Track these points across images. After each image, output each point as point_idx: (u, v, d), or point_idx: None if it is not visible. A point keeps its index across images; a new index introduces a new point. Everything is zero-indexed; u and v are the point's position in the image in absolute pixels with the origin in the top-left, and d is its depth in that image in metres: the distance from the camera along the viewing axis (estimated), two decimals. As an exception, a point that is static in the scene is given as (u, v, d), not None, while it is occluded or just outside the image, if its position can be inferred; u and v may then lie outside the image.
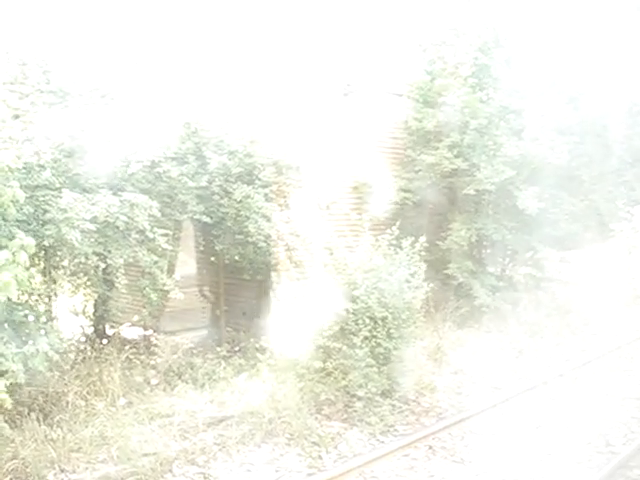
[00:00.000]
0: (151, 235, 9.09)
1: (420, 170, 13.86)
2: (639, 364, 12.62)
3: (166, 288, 9.48)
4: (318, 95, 13.02)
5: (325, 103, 13.14)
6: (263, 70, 11.93)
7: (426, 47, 14.48)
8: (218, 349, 11.49)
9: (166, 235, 9.44)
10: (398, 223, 10.94)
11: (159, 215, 9.35)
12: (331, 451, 8.51)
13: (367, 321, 9.33)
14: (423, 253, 10.54)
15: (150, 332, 13.72)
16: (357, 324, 9.30)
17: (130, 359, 10.67)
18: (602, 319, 15.41)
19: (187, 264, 12.55)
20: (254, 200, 10.25)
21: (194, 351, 11.61)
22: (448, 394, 10.74)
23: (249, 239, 10.43)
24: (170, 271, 10.09)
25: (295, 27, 12.69)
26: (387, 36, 14.36)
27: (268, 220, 10.48)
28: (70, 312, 11.50)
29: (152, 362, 11.19)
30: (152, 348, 11.76)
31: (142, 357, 10.86)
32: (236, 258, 11.21)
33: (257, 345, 11.51)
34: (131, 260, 9.37)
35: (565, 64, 14.55)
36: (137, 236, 9.23)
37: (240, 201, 10.30)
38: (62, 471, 7.67)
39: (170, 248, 9.70)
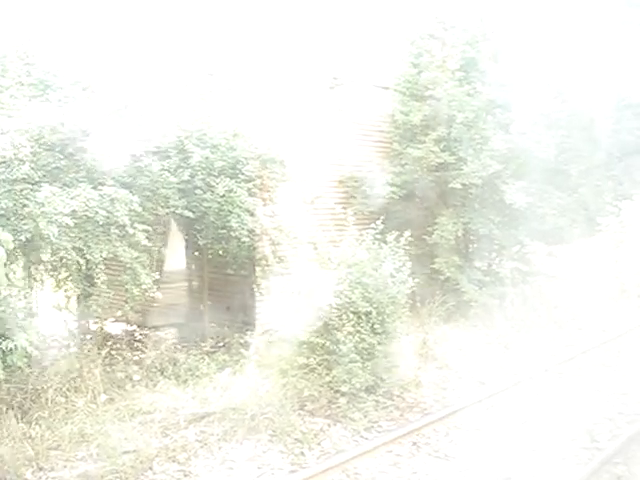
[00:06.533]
0: (131, 230, 8.98)
1: (407, 164, 13.77)
2: (625, 359, 12.57)
3: (146, 284, 9.30)
4: (304, 88, 12.91)
5: (311, 96, 13.04)
6: (248, 63, 11.82)
7: (413, 40, 14.37)
8: (202, 344, 11.42)
9: (146, 231, 9.33)
10: (383, 217, 10.87)
11: (140, 210, 9.24)
12: (314, 448, 8.41)
13: (351, 316, 9.25)
14: (409, 248, 10.49)
15: (135, 327, 13.69)
16: (340, 319, 9.22)
17: (112, 355, 10.60)
18: (589, 314, 15.39)
19: (170, 259, 12.42)
20: (237, 194, 10.14)
21: (178, 346, 11.55)
22: (433, 389, 10.67)
23: (232, 234, 10.32)
24: (152, 266, 9.91)
25: (281, 19, 12.57)
26: (374, 29, 14.23)
27: (251, 215, 10.37)
28: (54, 308, 11.38)
29: (136, 358, 11.15)
30: (136, 344, 11.71)
31: (125, 353, 10.77)
32: (220, 253, 11.13)
33: (241, 340, 11.45)
34: (111, 255, 9.24)
35: (553, 58, 14.45)
36: (117, 231, 9.09)
37: (223, 195, 10.18)
38: (40, 469, 7.57)
39: (150, 244, 9.55)
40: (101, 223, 8.80)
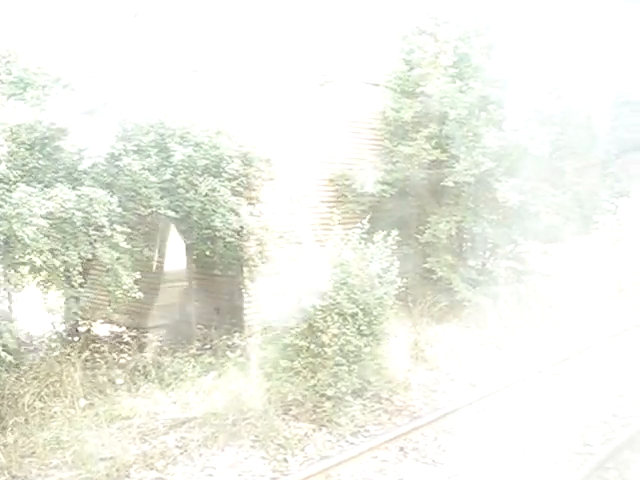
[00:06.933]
0: (110, 232, 8.77)
1: (398, 161, 13.54)
2: (621, 359, 12.31)
3: (127, 285, 9.08)
4: (292, 85, 12.68)
5: (299, 93, 12.81)
6: (235, 59, 11.60)
7: (405, 35, 14.14)
8: (189, 346, 11.19)
9: (127, 232, 9.12)
10: (375, 216, 10.68)
11: (120, 210, 9.03)
12: (297, 454, 8.18)
13: (336, 318, 9.00)
14: (401, 247, 10.28)
15: (123, 329, 13.48)
16: (325, 321, 8.96)
17: (95, 358, 10.40)
18: (585, 313, 15.11)
19: (155, 260, 12.20)
20: (220, 194, 9.91)
21: (164, 349, 11.31)
22: (423, 392, 10.43)
23: (217, 234, 10.10)
24: (135, 268, 9.68)
25: (269, 15, 12.33)
26: (365, 24, 13.99)
27: (236, 214, 10.13)
28: (43, 310, 11.21)
29: (121, 360, 10.93)
30: (122, 346, 11.49)
31: (109, 355, 10.54)
32: (206, 253, 10.90)
33: (229, 342, 11.23)
34: (90, 257, 9.05)
35: (548, 53, 14.19)
36: (97, 232, 8.88)
37: (206, 195, 9.95)
38: (13, 477, 7.38)
39: (132, 245, 9.35)
40: (79, 224, 8.57)
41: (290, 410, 9.09)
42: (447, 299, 13.43)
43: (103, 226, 8.72)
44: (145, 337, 12.25)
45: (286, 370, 9.08)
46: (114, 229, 8.84)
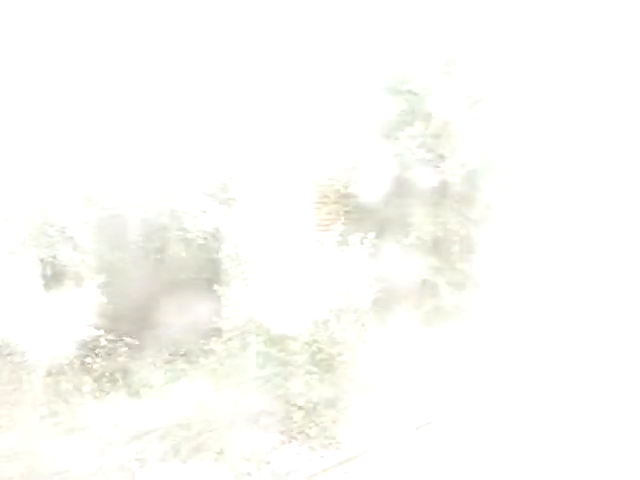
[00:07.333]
0: (71, 232, 8.39)
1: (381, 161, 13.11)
2: None
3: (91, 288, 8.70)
4: (273, 77, 12.28)
5: (281, 88, 12.40)
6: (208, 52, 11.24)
7: (390, 31, 13.72)
8: (163, 351, 10.80)
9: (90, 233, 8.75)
10: (355, 218, 10.33)
11: (83, 209, 8.66)
12: (262, 467, 7.81)
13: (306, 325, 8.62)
14: (382, 249, 9.92)
15: (101, 332, 13.07)
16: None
17: (61, 363, 10.00)
18: (581, 316, 14.71)
19: (129, 262, 11.77)
20: (190, 193, 9.52)
21: (138, 353, 10.90)
22: (402, 401, 10.05)
23: (188, 235, 9.72)
24: (104, 270, 9.29)
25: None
26: (348, 19, 13.59)
27: (208, 215, 9.74)
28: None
29: (96, 366, 10.53)
30: (97, 350, 11.10)
31: (76, 360, 10.14)
32: (182, 255, 10.51)
33: (206, 348, 10.83)
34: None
35: (536, 48, 13.83)
36: (57, 233, 8.49)
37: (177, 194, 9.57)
38: (-40, 493, 7.00)
39: (98, 246, 8.97)
40: (38, 224, 8.20)
41: (259, 420, 8.70)
42: (432, 304, 13.01)
43: (65, 227, 8.33)
44: (119, 341, 11.85)
45: (255, 379, 8.69)
46: (76, 229, 8.46)
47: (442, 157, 12.75)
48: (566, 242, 16.26)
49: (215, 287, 10.82)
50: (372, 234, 9.62)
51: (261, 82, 11.98)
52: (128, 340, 11.08)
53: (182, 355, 11.02)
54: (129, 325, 11.94)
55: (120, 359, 10.43)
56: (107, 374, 9.93)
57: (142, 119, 10.03)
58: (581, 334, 13.90)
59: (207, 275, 11.05)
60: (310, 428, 8.59)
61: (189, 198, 9.58)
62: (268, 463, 7.88)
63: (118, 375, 9.94)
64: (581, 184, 16.37)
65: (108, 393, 9.44)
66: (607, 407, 10.14)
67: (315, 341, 8.66)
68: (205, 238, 9.82)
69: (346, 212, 12.68)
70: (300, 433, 8.56)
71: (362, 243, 9.54)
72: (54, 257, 8.65)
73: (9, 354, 9.68)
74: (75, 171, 9.28)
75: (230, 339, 9.77)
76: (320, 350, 8.68)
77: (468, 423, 9.53)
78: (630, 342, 13.56)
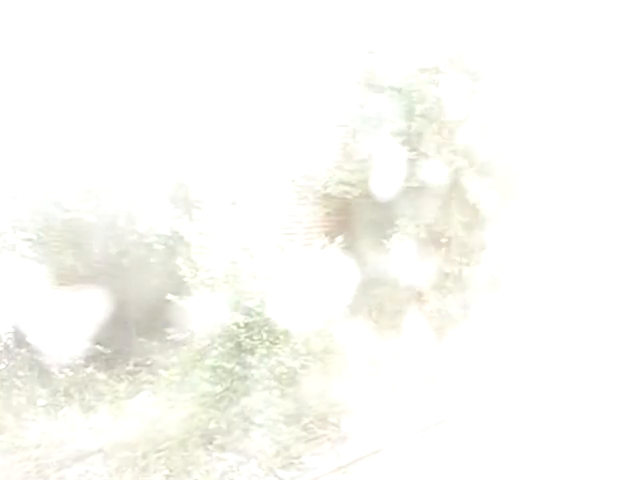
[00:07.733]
0: (13, 240, 7.86)
1: (362, 160, 12.52)
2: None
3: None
4: (246, 75, 11.71)
5: (253, 83, 11.84)
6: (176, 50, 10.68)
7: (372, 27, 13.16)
8: (127, 362, 10.26)
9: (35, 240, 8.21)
10: (337, 220, 9.79)
11: (29, 215, 8.13)
12: (214, 491, 7.24)
13: (265, 336, 8.02)
14: (365, 253, 9.38)
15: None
16: (252, 340, 7.99)
17: (17, 375, 9.48)
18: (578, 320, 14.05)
19: (84, 270, 11.22)
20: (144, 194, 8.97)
21: (98, 365, 10.35)
22: (377, 415, 9.43)
23: (144, 240, 9.17)
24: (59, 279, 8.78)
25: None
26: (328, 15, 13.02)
27: (164, 219, 9.18)
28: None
29: (54, 378, 9.98)
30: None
31: (31, 373, 9.61)
32: (143, 262, 9.95)
33: (171, 359, 10.25)
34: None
35: (524, 44, 13.21)
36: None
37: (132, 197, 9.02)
38: None
39: (45, 255, 8.45)
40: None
41: (215, 439, 8.10)
42: (416, 309, 12.40)
43: (4, 233, 7.81)
44: (86, 352, 11.32)
45: (210, 395, 8.11)
46: (18, 236, 7.93)
47: (426, 156, 12.13)
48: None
49: (171, 296, 10.24)
50: (353, 236, 9.02)
51: (235, 77, 11.44)
52: (100, 348, 10.55)
53: (148, 366, 10.48)
54: (101, 334, 11.40)
55: (88, 370, 9.91)
56: (63, 387, 9.39)
57: (102, 118, 9.53)
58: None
59: (171, 282, 10.51)
60: (270, 447, 7.98)
61: (146, 200, 9.00)
62: (221, 486, 7.32)
63: (76, 388, 9.39)
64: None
65: (62, 407, 8.88)
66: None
67: (275, 354, 8.06)
68: (164, 243, 9.24)
69: (327, 214, 12.13)
70: (260, 452, 7.95)
71: (342, 245, 8.96)
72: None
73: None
74: (31, 172, 8.82)
75: (190, 351, 9.20)
76: (280, 363, 8.07)
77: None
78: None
